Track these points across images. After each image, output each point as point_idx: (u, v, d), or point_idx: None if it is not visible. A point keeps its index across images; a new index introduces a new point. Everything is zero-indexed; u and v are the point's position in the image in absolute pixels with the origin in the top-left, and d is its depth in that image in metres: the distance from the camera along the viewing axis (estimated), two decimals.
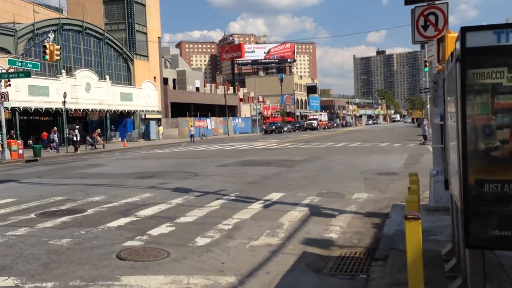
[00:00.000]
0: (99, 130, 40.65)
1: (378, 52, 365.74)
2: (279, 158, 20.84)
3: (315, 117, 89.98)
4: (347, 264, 5.91)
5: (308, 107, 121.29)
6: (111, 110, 48.75)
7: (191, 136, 47.69)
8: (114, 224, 7.97)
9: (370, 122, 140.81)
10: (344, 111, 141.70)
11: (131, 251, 6.32)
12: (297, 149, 26.78)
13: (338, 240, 6.88)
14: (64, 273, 5.47)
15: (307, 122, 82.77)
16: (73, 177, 15.86)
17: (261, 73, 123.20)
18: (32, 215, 8.88)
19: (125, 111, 51.37)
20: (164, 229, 7.58)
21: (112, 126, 50.23)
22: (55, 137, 33.87)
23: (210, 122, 64.12)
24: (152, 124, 53.98)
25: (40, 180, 15.29)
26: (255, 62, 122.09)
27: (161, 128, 55.46)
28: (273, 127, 70.21)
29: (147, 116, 55.54)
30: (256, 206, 9.35)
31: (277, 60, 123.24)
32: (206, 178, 14.22)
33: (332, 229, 7.47)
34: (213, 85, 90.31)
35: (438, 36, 7.12)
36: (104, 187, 12.79)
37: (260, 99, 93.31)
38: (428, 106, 36.15)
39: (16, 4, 46.03)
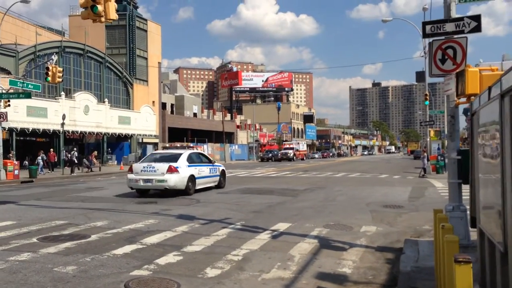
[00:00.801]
0: (95, 153, 40.37)
1: (374, 84, 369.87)
2: (280, 187, 20.65)
3: (291, 146, 73.95)
4: None
5: (304, 135, 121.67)
6: (108, 133, 48.61)
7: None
8: (119, 251, 7.72)
9: (365, 152, 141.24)
10: (339, 141, 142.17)
11: (140, 281, 6.07)
12: (297, 178, 26.61)
13: (352, 276, 6.67)
14: None
15: (282, 151, 68.22)
16: (73, 200, 15.57)
17: (258, 100, 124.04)
18: (34, 240, 8.61)
19: (122, 135, 51.24)
20: (171, 258, 7.34)
21: (109, 149, 49.99)
22: (38, 159, 33.40)
23: (207, 148, 63.97)
24: (149, 148, 53.79)
25: (39, 202, 14.98)
26: (252, 90, 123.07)
27: None
28: (270, 155, 70.10)
29: (144, 140, 55.39)
30: (264, 237, 9.13)
31: (274, 89, 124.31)
32: (209, 205, 13.99)
33: (344, 263, 7.26)
34: (210, 111, 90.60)
35: (457, 70, 7.08)
36: (106, 211, 12.52)
37: (257, 126, 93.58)
38: (429, 139, 36.32)
39: (19, 26, 46.36)
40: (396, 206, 13.93)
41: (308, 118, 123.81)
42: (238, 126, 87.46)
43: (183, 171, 16.51)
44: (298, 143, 77.38)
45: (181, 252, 7.72)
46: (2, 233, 9.33)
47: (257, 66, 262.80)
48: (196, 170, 17.38)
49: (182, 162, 16.83)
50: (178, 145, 36.11)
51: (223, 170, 20.07)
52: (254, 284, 6.13)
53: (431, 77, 7.57)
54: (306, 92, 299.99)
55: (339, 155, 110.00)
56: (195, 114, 76.33)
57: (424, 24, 7.75)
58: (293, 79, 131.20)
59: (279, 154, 66.02)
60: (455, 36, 7.38)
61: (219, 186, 19.48)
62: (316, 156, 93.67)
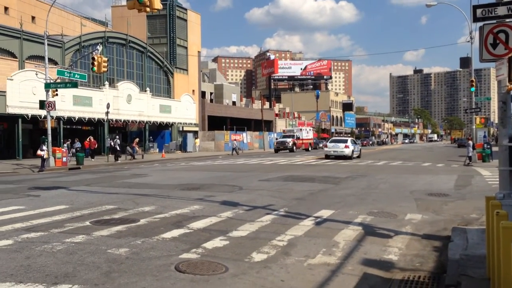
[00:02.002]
0: (137, 140, 41.31)
1: (416, 71, 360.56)
2: (321, 174, 20.59)
3: (293, 133, 55.35)
4: None
5: (343, 124, 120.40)
6: (150, 122, 49.57)
7: (233, 149, 48.52)
8: (168, 235, 7.94)
9: (406, 141, 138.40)
10: (379, 129, 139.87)
11: (189, 264, 6.25)
12: (338, 166, 26.44)
13: (398, 263, 6.64)
14: (126, 283, 5.43)
15: (278, 140, 54.25)
16: (120, 186, 16.08)
17: (297, 89, 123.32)
18: (87, 223, 8.98)
19: (163, 123, 52.15)
20: (218, 242, 7.50)
21: (151, 137, 51.03)
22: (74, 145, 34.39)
23: (246, 136, 64.34)
24: (189, 136, 54.56)
25: (88, 188, 15.57)
26: (291, 78, 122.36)
27: (197, 140, 56.01)
28: None
29: (185, 129, 56.19)
30: (308, 223, 9.18)
31: (313, 77, 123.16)
32: (252, 192, 14.14)
33: (390, 250, 7.23)
34: (249, 99, 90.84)
35: (509, 55, 6.86)
36: (152, 197, 12.88)
37: (296, 114, 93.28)
38: (474, 127, 35.25)
39: (64, 17, 47.69)
40: (441, 195, 13.67)
41: (347, 106, 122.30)
42: (276, 115, 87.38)
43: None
44: (301, 129, 57.92)
45: (227, 237, 7.87)
46: (57, 216, 9.77)
47: (295, 54, 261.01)
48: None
49: (349, 143, 34.84)
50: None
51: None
52: (300, 269, 6.20)
53: (481, 62, 7.36)
54: (345, 79, 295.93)
55: (379, 143, 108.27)
56: (234, 103, 76.73)
57: (475, 7, 7.52)
58: (332, 67, 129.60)
59: (275, 144, 53.25)
60: (507, 20, 7.13)
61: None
62: None
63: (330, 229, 8.65)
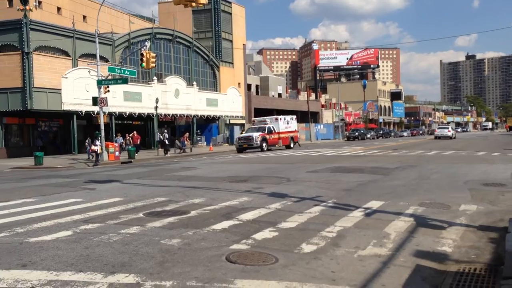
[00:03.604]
0: (187, 134, 42.09)
1: (468, 57, 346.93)
2: (370, 165, 20.28)
3: (265, 124, 40.00)
4: (469, 281, 5.50)
5: (391, 113, 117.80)
6: (197, 115, 50.36)
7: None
8: (218, 226, 8.08)
9: (459, 129, 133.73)
10: (430, 118, 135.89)
11: (240, 255, 6.33)
12: (387, 157, 25.94)
13: (453, 254, 6.46)
14: (180, 272, 5.57)
15: (241, 136, 39.83)
16: (170, 179, 16.48)
17: (343, 79, 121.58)
18: (141, 215, 9.27)
19: (210, 116, 52.85)
20: (267, 233, 7.56)
21: (198, 131, 51.85)
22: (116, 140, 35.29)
23: None
24: (236, 129, 55.01)
25: (140, 181, 16.05)
26: (337, 68, 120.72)
27: (244, 133, 56.33)
28: (356, 133, 68.92)
29: (231, 121, 56.70)
30: (357, 214, 9.08)
31: (359, 66, 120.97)
32: (300, 184, 14.13)
33: (444, 242, 7.04)
34: (295, 91, 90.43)
35: None
36: (201, 189, 13.11)
37: (342, 105, 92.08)
38: None
39: (114, 15, 49.08)
40: (497, 184, 13.16)
41: (395, 95, 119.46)
42: (323, 106, 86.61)
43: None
44: (278, 119, 41.25)
45: (276, 228, 7.91)
46: (112, 208, 10.14)
47: (341, 43, 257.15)
48: None
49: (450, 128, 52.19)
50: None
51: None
52: (350, 260, 6.15)
53: None
54: (393, 68, 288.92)
55: (429, 133, 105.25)
56: (279, 95, 76.62)
57: None
58: (379, 56, 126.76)
59: (236, 141, 39.27)
60: None
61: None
62: (405, 134, 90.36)
63: (380, 220, 8.52)
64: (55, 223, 8.61)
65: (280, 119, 41.37)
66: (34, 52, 33.48)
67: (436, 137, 58.99)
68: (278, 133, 39.76)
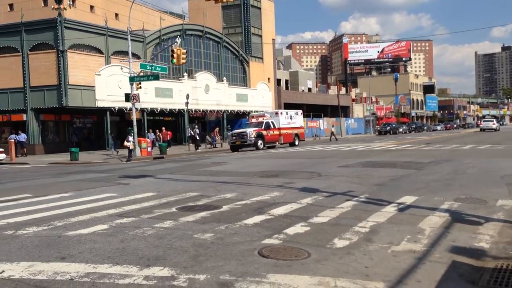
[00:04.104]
0: (217, 129, 42.37)
1: (504, 48, 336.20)
2: (402, 159, 19.97)
3: (261, 119, 35.87)
4: (507, 278, 5.36)
5: (424, 107, 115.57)
6: (227, 111, 50.59)
7: (332, 133, 49.79)
8: (250, 221, 8.12)
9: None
10: (464, 112, 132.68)
11: (272, 249, 6.34)
12: (420, 151, 25.48)
13: (490, 251, 6.30)
14: (213, 266, 5.63)
15: (235, 132, 34.96)
16: (202, 174, 16.64)
17: (374, 72, 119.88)
18: (173, 209, 9.40)
19: (240, 112, 53.00)
20: (299, 228, 7.54)
21: (228, 126, 52.02)
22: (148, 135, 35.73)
23: (322, 123, 63.77)
24: None
25: (173, 176, 16.27)
26: (367, 62, 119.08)
27: None
28: (388, 128, 67.94)
29: None
30: (390, 209, 8.97)
31: (391, 59, 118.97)
32: (331, 178, 14.04)
33: (481, 238, 6.88)
34: (325, 85, 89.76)
35: None
36: (232, 184, 13.20)
37: (373, 99, 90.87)
38: None
39: (145, 13, 49.73)
40: None
41: (428, 88, 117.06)
42: (353, 100, 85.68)
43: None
44: (279, 113, 36.95)
45: (308, 223, 7.89)
46: (146, 203, 10.32)
47: (371, 36, 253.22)
48: None
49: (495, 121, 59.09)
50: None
51: None
52: (384, 256, 6.08)
53: None
54: (425, 61, 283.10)
55: (463, 126, 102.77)
56: (309, 89, 76.21)
57: None
58: (411, 48, 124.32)
59: (229, 136, 34.87)
60: None
61: None
62: (439, 128, 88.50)
63: (414, 215, 8.39)
64: (91, 217, 8.83)
65: (281, 113, 37.07)
66: (68, 50, 34.27)
67: (481, 130, 64.91)
68: (279, 129, 35.28)
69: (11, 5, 42.12)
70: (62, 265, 5.72)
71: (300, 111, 40.70)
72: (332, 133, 50.02)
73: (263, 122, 34.49)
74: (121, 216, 8.83)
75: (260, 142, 33.04)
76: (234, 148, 33.21)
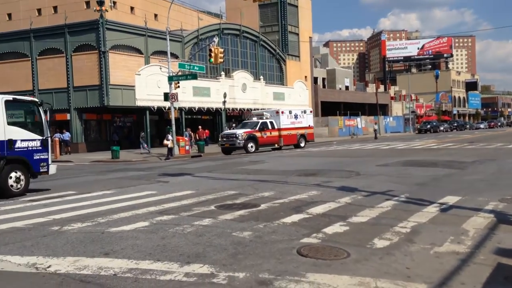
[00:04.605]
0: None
1: None
2: (444, 159, 19.48)
3: (261, 118, 32.78)
4: None
5: (466, 105, 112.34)
6: (265, 109, 50.58)
7: (375, 131, 50.07)
8: (288, 220, 8.11)
9: None
10: (509, 109, 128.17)
11: (311, 248, 6.32)
12: (462, 150, 24.79)
13: None
14: (252, 264, 5.65)
15: (224, 133, 32.01)
16: (239, 172, 16.75)
17: (413, 69, 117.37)
18: (212, 207, 9.50)
19: None
20: (338, 228, 7.48)
21: None
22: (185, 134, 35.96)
23: (360, 121, 62.96)
24: None
25: (210, 174, 16.45)
26: (407, 59, 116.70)
27: None
28: (428, 126, 66.40)
29: None
30: (432, 210, 8.76)
31: (431, 56, 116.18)
32: (370, 177, 13.86)
33: None
34: (362, 83, 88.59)
35: None
36: (270, 183, 13.22)
37: (413, 97, 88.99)
38: None
39: (183, 13, 50.37)
40: None
41: (470, 86, 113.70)
42: (392, 98, 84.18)
43: None
44: (279, 112, 32.84)
45: (347, 223, 7.81)
46: (185, 201, 10.48)
47: (411, 33, 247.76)
48: None
49: None
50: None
51: None
52: (426, 257, 5.95)
53: None
54: (468, 57, 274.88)
55: (508, 124, 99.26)
56: (347, 87, 75.40)
57: None
58: (452, 44, 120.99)
59: (220, 139, 32.00)
60: None
61: None
62: (482, 126, 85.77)
63: (458, 216, 8.17)
64: (132, 214, 9.03)
65: (283, 112, 32.89)
66: (110, 51, 35.14)
67: None
68: (279, 129, 31.83)
69: (55, 8, 43.50)
70: (106, 260, 5.88)
71: (309, 109, 36.95)
72: (375, 131, 50.20)
73: (258, 122, 31.41)
74: (161, 213, 8.99)
75: (251, 145, 29.74)
76: (225, 151, 29.96)
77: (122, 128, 41.57)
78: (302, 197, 10.54)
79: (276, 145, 32.38)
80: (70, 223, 8.26)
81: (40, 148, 13.38)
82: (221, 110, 41.40)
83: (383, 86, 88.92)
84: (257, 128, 30.62)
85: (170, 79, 29.99)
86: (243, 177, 15.11)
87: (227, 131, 31.85)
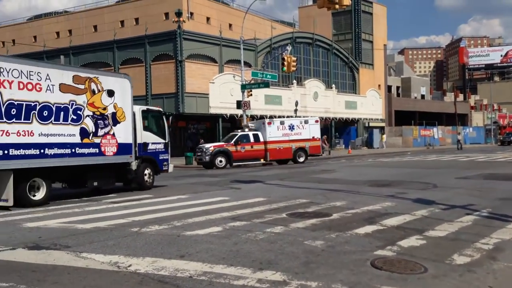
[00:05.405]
0: (325, 137, 42.16)
1: None
2: None
3: (253, 129, 29.22)
4: None
5: None
6: (336, 118, 50.11)
7: (458, 141, 48.59)
8: (361, 231, 7.95)
9: None
10: None
11: (385, 261, 6.15)
12: None
13: None
14: (324, 274, 5.60)
15: (199, 146, 28.97)
16: (310, 181, 16.69)
17: (496, 78, 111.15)
18: (284, 215, 9.53)
19: (349, 119, 52.22)
20: (414, 241, 7.23)
21: (337, 134, 51.57)
22: None
23: (437, 131, 60.49)
24: (375, 132, 53.60)
25: (281, 182, 16.54)
26: (489, 67, 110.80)
27: (384, 136, 54.69)
28: None
29: (370, 124, 55.40)
30: None
31: None
32: (448, 190, 13.27)
33: None
34: (439, 92, 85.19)
35: None
36: (341, 192, 13.05)
37: (495, 106, 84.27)
38: None
39: (256, 22, 51.19)
40: None
41: None
42: (472, 107, 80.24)
43: None
44: (265, 123, 29.00)
45: (423, 236, 7.54)
46: (257, 207, 10.60)
47: (493, 39, 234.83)
48: None
49: None
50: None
51: None
52: (511, 276, 5.62)
53: None
54: None
55: None
56: (422, 96, 72.87)
57: None
58: None
59: (196, 151, 28.25)
60: None
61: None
62: None
63: None
64: (206, 219, 9.26)
65: (269, 123, 28.88)
66: (186, 60, 36.40)
67: None
68: (264, 142, 28.20)
69: (136, 19, 45.87)
70: (182, 262, 6.08)
71: (315, 118, 32.30)
72: (458, 141, 48.95)
73: (236, 135, 28.09)
74: (234, 219, 9.15)
75: (220, 159, 26.39)
76: (203, 165, 26.96)
77: (195, 135, 42.77)
78: (375, 208, 10.30)
79: (262, 160, 28.60)
80: (148, 225, 8.62)
81: (163, 150, 16.08)
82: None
83: (462, 95, 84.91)
84: (232, 142, 27.30)
85: (243, 87, 30.51)
86: (314, 185, 15.04)
87: (200, 145, 29.00)
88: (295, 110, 36.65)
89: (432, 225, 8.34)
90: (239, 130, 29.39)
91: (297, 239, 7.38)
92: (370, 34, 57.08)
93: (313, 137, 30.68)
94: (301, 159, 29.71)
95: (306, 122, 30.84)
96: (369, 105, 54.59)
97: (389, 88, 64.07)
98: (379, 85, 58.25)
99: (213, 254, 6.51)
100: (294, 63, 28.30)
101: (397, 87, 70.11)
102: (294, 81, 45.35)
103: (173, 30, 36.32)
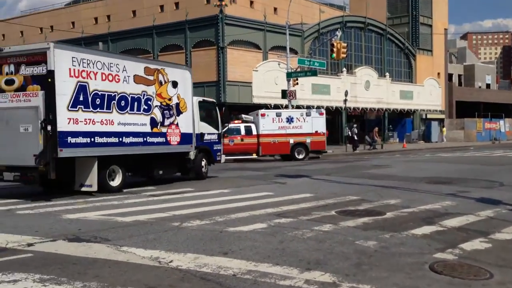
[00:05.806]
0: (377, 129, 41.51)
1: None
2: None
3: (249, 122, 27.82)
4: None
5: None
6: (389, 109, 49.25)
7: None
8: (418, 231, 7.81)
9: None
10: None
11: (446, 265, 6.03)
12: None
13: None
14: (377, 277, 5.54)
15: None
16: (360, 176, 16.53)
17: None
18: (333, 212, 9.49)
19: (404, 110, 51.22)
20: (478, 244, 7.04)
21: (390, 126, 50.68)
22: None
23: (503, 124, 58.43)
24: (434, 125, 52.35)
25: (329, 177, 16.47)
26: None
27: (444, 129, 53.30)
28: None
29: (428, 116, 54.16)
30: None
31: None
32: None
33: None
34: (507, 81, 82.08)
35: None
36: (396, 189, 12.87)
37: None
38: None
39: (303, 5, 50.75)
40: None
41: None
42: None
43: None
44: (259, 115, 27.63)
45: (489, 239, 7.33)
46: (303, 204, 10.60)
47: None
48: None
49: None
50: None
51: None
52: None
53: None
54: None
55: None
56: (488, 85, 70.45)
57: None
58: None
59: None
60: None
61: None
62: None
63: None
64: (250, 214, 9.34)
65: (263, 114, 27.54)
66: (228, 47, 36.64)
67: None
68: (257, 136, 27.12)
69: (177, 4, 46.40)
70: (225, 260, 6.16)
71: (320, 111, 29.72)
72: None
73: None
74: (279, 216, 9.18)
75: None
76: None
77: None
78: (434, 207, 10.09)
79: (253, 155, 27.41)
80: (189, 220, 8.78)
81: (217, 140, 17.37)
82: (341, 109, 41.05)
83: None
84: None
85: (289, 75, 30.43)
86: (365, 181, 14.88)
87: None
88: (345, 101, 36.26)
89: (498, 227, 8.11)
90: (236, 121, 28.08)
91: (347, 238, 7.33)
92: (429, 17, 55.52)
93: (316, 132, 28.36)
94: (300, 156, 27.82)
95: (308, 114, 28.75)
96: (427, 95, 53.25)
97: (449, 77, 62.33)
98: (438, 73, 56.71)
99: (258, 252, 6.56)
100: (344, 50, 27.94)
101: (459, 76, 68.13)
102: (344, 69, 44.81)
103: (215, 15, 36.59)
